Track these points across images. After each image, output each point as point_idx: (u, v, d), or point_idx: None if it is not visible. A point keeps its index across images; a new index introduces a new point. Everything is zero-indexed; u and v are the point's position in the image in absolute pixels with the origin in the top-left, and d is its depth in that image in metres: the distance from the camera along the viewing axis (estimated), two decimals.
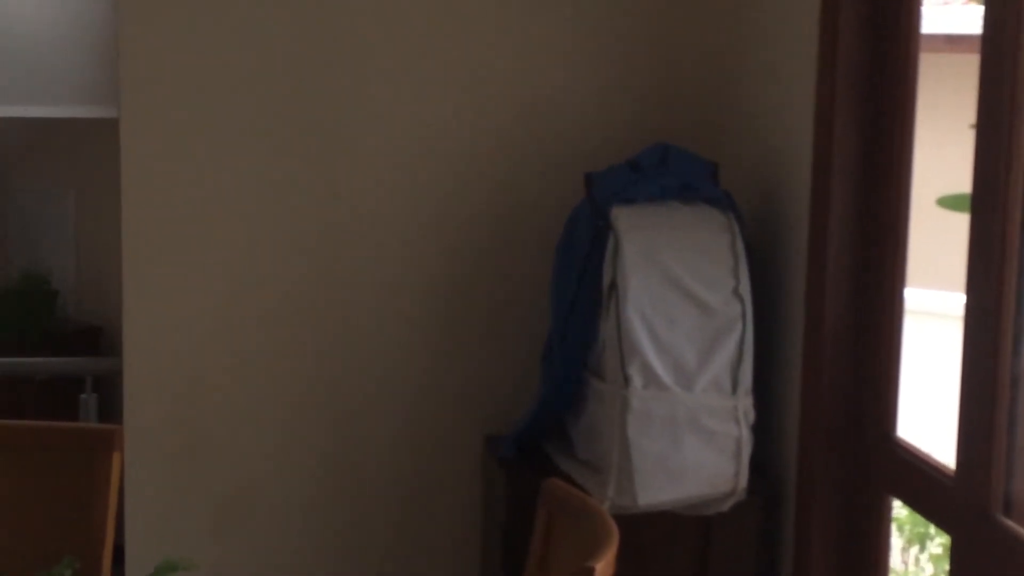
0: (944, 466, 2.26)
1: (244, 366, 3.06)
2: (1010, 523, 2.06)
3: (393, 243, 3.05)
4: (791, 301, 2.66)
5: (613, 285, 2.58)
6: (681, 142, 2.81)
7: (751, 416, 2.59)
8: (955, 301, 2.25)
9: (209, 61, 2.98)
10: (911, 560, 4.37)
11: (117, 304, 3.06)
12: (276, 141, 3.02)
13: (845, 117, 2.47)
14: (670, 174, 2.70)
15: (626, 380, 2.55)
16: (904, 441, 2.42)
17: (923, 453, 2.35)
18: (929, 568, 4.33)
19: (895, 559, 4.20)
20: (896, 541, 4.15)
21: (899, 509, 3.23)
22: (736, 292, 2.58)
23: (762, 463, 2.69)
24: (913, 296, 2.52)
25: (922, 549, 4.35)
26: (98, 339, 5.79)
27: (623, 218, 2.61)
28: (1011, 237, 2.04)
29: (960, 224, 2.17)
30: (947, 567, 2.22)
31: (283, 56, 2.99)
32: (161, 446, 3.06)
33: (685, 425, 2.56)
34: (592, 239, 2.65)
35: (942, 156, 2.80)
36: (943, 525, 2.34)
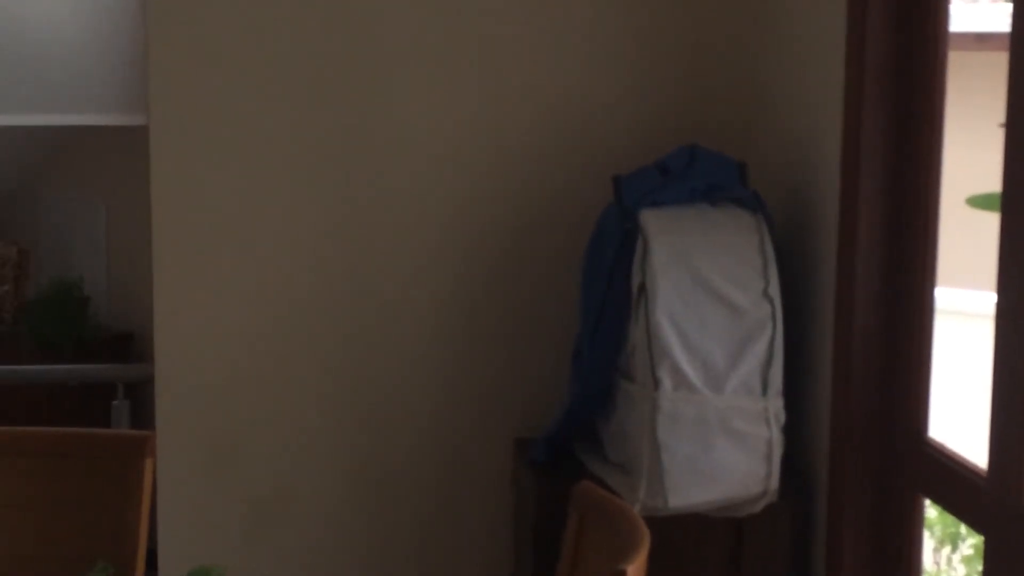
0: (976, 466, 2.25)
1: (274, 370, 3.07)
2: None
3: (421, 247, 3.06)
4: (821, 301, 2.66)
5: (642, 288, 2.58)
6: (708, 142, 2.80)
7: (782, 417, 2.59)
8: (986, 300, 2.24)
9: (238, 68, 3.00)
10: (943, 560, 4.35)
11: (148, 310, 3.07)
12: (303, 147, 3.03)
13: (873, 116, 2.46)
14: (698, 176, 2.70)
15: (656, 382, 2.55)
16: (935, 441, 2.41)
17: (955, 453, 2.34)
18: (961, 569, 4.31)
19: (926, 559, 4.19)
20: (927, 542, 4.14)
21: (929, 509, 3.22)
22: (765, 293, 2.58)
23: (793, 464, 2.68)
24: (943, 295, 2.51)
25: (954, 549, 4.33)
26: (129, 345, 5.82)
27: (652, 221, 2.61)
28: None
29: (990, 223, 2.16)
30: (979, 567, 2.22)
31: (311, 61, 3.00)
32: (193, 451, 3.07)
33: (715, 427, 2.55)
34: (621, 242, 2.65)
35: (971, 155, 2.79)
36: (976, 526, 2.33)
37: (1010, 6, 2.10)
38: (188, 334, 3.05)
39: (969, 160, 2.79)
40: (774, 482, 2.59)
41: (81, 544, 2.51)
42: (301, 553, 3.11)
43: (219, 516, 3.09)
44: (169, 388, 3.06)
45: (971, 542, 4.20)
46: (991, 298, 2.15)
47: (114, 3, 5.20)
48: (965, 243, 2.87)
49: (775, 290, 2.58)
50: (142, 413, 4.37)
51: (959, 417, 2.87)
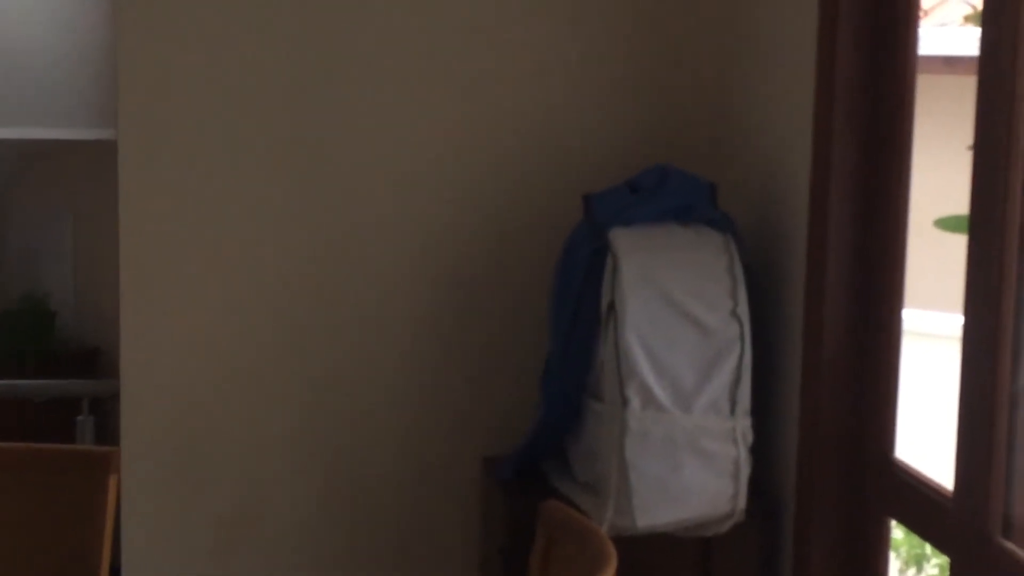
0: (943, 487, 2.25)
1: (241, 388, 3.06)
2: (1009, 545, 2.05)
3: (390, 264, 3.05)
4: (789, 322, 2.66)
5: (611, 307, 2.58)
6: (679, 162, 2.81)
7: (750, 437, 2.59)
8: (953, 322, 2.25)
9: (208, 83, 2.99)
10: None
11: (115, 325, 3.05)
12: (274, 162, 3.02)
13: (843, 138, 2.47)
14: (669, 195, 2.71)
15: (624, 402, 2.55)
16: (902, 462, 2.42)
17: (922, 474, 2.35)
18: None
19: None
20: (893, 562, 4.15)
21: (895, 530, 3.23)
22: (734, 313, 2.58)
23: (761, 484, 2.68)
24: (911, 317, 2.52)
25: (919, 571, 4.34)
26: (96, 360, 5.79)
27: (621, 240, 2.61)
28: (1009, 258, 2.05)
29: (958, 245, 2.18)
30: None
31: (282, 77, 3.00)
32: (158, 468, 3.05)
33: (684, 447, 2.55)
34: (590, 261, 2.65)
35: (940, 177, 2.81)
36: (942, 547, 2.34)
37: (978, 30, 2.11)
38: (155, 349, 3.03)
39: (937, 182, 2.81)
40: (741, 502, 2.59)
41: (44, 561, 2.49)
42: (268, 569, 3.09)
43: (185, 534, 3.07)
44: (135, 403, 3.04)
45: (936, 563, 4.21)
46: (958, 320, 2.16)
47: (83, 18, 5.18)
48: (933, 265, 2.88)
49: (744, 310, 2.59)
50: (107, 429, 4.35)
51: (926, 438, 2.88)
